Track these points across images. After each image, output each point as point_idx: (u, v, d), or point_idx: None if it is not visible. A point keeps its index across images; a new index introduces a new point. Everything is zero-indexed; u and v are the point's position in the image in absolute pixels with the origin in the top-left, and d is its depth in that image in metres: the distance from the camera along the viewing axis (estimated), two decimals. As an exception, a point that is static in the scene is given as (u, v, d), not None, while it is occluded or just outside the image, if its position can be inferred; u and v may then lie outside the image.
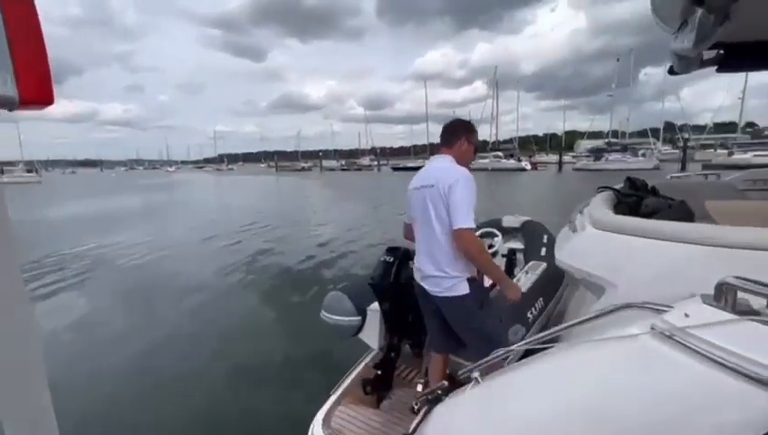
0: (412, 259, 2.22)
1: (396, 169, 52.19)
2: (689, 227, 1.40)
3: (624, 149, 41.57)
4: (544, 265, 2.91)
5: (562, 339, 1.28)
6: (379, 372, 2.18)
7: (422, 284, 1.90)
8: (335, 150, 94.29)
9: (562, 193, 21.16)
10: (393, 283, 2.10)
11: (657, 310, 0.95)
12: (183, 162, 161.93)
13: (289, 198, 21.53)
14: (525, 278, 2.67)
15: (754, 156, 33.26)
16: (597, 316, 1.16)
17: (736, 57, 2.00)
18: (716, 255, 1.28)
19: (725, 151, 38.49)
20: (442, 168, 1.83)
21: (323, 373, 2.93)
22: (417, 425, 1.43)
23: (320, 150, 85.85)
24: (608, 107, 51.10)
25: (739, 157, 34.31)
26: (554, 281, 2.87)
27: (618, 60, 48.89)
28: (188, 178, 57.99)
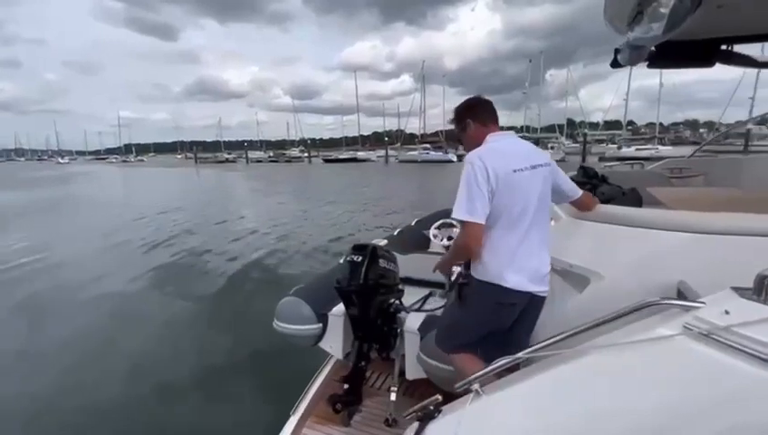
0: (381, 257, 2.06)
1: (327, 160, 51.23)
2: (672, 215, 1.43)
3: (536, 142, 46.06)
4: None
5: (569, 344, 1.21)
6: (347, 386, 2.00)
7: (535, 287, 1.52)
8: (262, 141, 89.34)
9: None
10: (363, 284, 1.92)
11: (683, 307, 0.89)
12: (79, 153, 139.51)
13: (217, 194, 19.62)
14: None
15: (636, 149, 39.08)
16: (620, 316, 1.09)
17: (667, 54, 2.14)
18: (699, 241, 1.32)
19: (615, 146, 44.70)
20: (529, 145, 1.62)
21: (278, 391, 2.67)
22: None
23: (245, 141, 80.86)
24: (521, 104, 55.89)
25: (625, 150, 40.04)
26: None
27: (530, 61, 53.76)
28: (87, 170, 50.61)
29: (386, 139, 60.56)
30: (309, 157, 58.57)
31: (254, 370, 3.37)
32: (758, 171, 3.15)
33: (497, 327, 1.59)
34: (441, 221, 3.46)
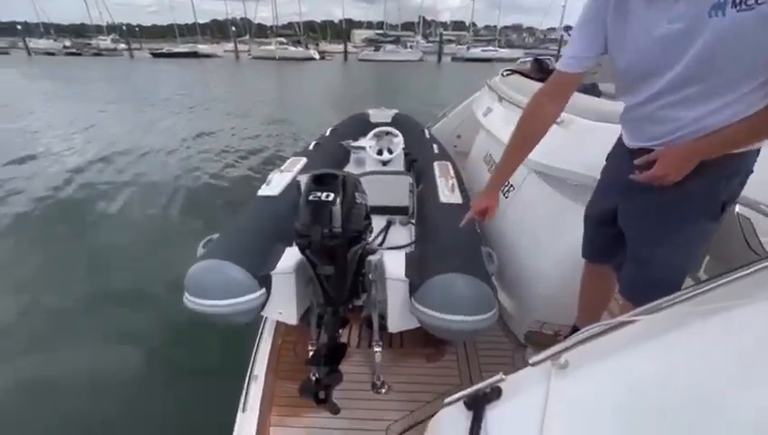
0: (355, 189, 1.44)
1: (157, 54, 40.57)
2: None
3: (396, 40, 45.70)
4: (448, 164, 2.57)
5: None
6: (324, 366, 1.49)
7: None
8: (47, 25, 64.31)
9: (362, 82, 21.49)
10: (342, 234, 1.31)
11: None
12: None
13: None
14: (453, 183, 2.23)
15: (482, 51, 42.44)
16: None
17: None
18: None
19: (464, 46, 47.59)
20: None
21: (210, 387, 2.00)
22: None
23: (18, 23, 56.89)
24: (378, -4, 52.93)
25: (473, 51, 43.10)
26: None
27: (385, -52, 49.60)
28: None
29: (232, 28, 50.86)
30: (130, 49, 45.57)
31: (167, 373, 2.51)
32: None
33: None
34: (377, 130, 2.85)
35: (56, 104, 12.47)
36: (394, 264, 1.63)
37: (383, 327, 1.71)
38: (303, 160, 2.59)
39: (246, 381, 1.65)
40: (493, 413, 1.12)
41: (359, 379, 1.67)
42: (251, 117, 10.47)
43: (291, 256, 1.69)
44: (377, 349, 1.65)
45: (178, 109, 11.57)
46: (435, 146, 2.93)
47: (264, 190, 2.15)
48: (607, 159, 1.28)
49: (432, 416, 1.63)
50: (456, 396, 1.16)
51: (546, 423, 1.04)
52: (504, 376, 1.08)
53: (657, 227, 1.07)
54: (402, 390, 1.62)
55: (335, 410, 1.45)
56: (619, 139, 1.20)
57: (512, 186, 2.17)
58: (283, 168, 2.43)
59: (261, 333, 1.91)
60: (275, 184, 2.19)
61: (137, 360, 2.48)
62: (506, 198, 2.18)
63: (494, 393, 1.13)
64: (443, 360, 1.76)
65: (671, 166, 0.96)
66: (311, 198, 1.31)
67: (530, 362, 1.04)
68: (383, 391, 1.62)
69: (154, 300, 2.98)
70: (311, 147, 2.93)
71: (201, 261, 1.53)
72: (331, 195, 1.31)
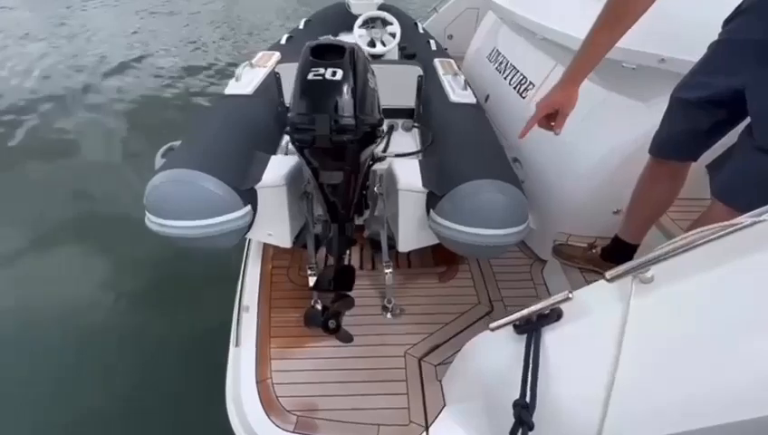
0: (366, 67, 1.08)
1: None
2: None
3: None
4: (451, 61, 2.18)
5: None
6: (333, 290, 1.27)
7: None
8: None
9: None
10: (356, 127, 0.99)
11: None
12: None
13: None
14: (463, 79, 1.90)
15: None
16: None
17: None
18: None
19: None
20: None
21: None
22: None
23: None
24: None
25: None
26: None
27: None
28: None
29: None
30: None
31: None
32: None
33: None
34: (367, 16, 2.33)
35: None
36: (407, 173, 1.35)
37: (390, 247, 1.49)
38: (277, 55, 2.11)
39: (236, 313, 1.42)
40: (551, 336, 0.93)
41: (367, 303, 1.47)
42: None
43: (279, 165, 1.37)
44: (387, 270, 1.44)
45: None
46: (432, 42, 2.49)
47: (234, 88, 1.72)
48: (728, 22, 0.98)
49: (453, 337, 1.44)
50: (505, 320, 0.96)
51: (625, 346, 0.85)
52: (570, 294, 0.88)
53: None
54: (416, 312, 1.45)
55: (348, 339, 1.26)
56: None
57: (531, 83, 1.86)
58: (254, 61, 1.97)
59: (245, 260, 1.64)
60: (247, 80, 1.76)
61: (100, 304, 2.18)
62: (523, 97, 1.88)
63: (554, 315, 0.94)
64: (457, 279, 1.59)
65: None
66: (311, 75, 0.95)
67: (607, 276, 0.84)
68: (395, 314, 1.45)
69: (108, 229, 2.61)
70: (283, 41, 2.41)
71: (161, 172, 1.18)
72: (339, 72, 0.95)
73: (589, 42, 0.97)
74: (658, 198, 1.24)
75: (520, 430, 0.85)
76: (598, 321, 0.87)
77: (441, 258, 1.67)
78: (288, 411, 1.15)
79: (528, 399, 0.85)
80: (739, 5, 0.96)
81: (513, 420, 0.87)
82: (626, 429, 0.86)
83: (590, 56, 0.99)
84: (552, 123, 1.08)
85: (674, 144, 1.12)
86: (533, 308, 0.92)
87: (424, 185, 1.30)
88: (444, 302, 1.49)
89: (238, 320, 1.39)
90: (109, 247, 2.48)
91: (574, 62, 1.01)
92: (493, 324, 0.95)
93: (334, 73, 0.94)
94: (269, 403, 1.17)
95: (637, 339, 0.83)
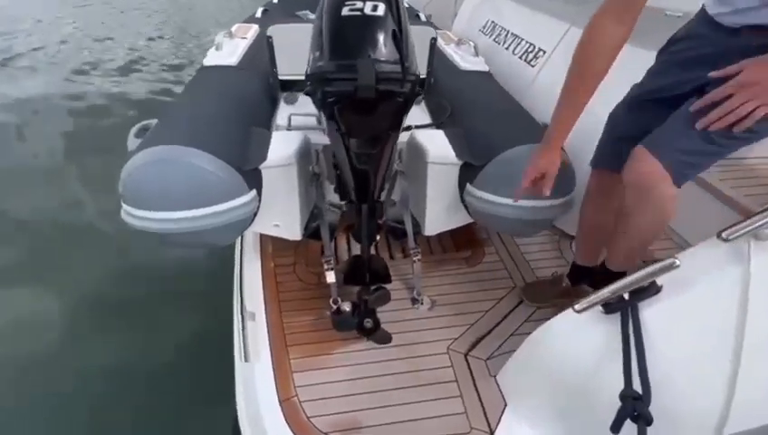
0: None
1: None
2: None
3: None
4: (448, 32, 2.03)
5: None
6: (368, 283, 1.07)
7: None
8: None
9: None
10: (403, 75, 0.80)
11: None
12: None
13: None
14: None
15: None
16: None
17: None
18: None
19: None
20: None
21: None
22: None
23: None
24: None
25: None
26: None
27: None
28: None
29: None
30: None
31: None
32: None
33: None
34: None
35: None
36: (437, 144, 1.18)
37: (403, 233, 1.31)
38: (255, 27, 1.86)
39: (238, 322, 1.19)
40: (650, 313, 0.79)
41: (394, 296, 1.29)
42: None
43: (284, 142, 1.15)
44: (415, 258, 1.26)
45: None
46: (421, 14, 2.32)
47: (215, 58, 1.47)
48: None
49: (497, 326, 1.26)
50: (593, 298, 0.81)
51: (750, 316, 0.71)
52: (677, 260, 0.74)
53: None
54: (449, 302, 1.29)
55: (386, 339, 1.07)
56: None
57: (541, 49, 1.74)
58: (233, 30, 1.71)
59: (241, 258, 1.40)
60: (229, 50, 1.51)
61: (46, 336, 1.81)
62: (532, 66, 1.76)
63: (652, 288, 0.80)
64: (485, 262, 1.45)
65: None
66: (346, 10, 0.74)
67: (723, 236, 0.71)
68: (427, 306, 1.28)
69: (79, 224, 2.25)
70: (258, 14, 2.15)
71: (147, 150, 0.93)
72: (381, 5, 0.75)
73: (563, 105, 0.89)
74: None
75: (629, 426, 0.71)
76: (710, 290, 0.75)
77: (463, 242, 1.52)
78: (324, 434, 0.95)
79: (641, 389, 0.71)
80: (675, 35, 0.94)
81: (608, 413, 0.73)
82: (753, 414, 0.75)
83: (567, 120, 0.90)
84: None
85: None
86: (624, 282, 0.78)
87: (457, 156, 1.14)
88: (476, 288, 1.34)
89: (243, 330, 1.16)
90: (62, 265, 2.11)
91: (551, 127, 0.92)
92: (578, 305, 0.80)
93: (375, 8, 0.74)
94: (299, 426, 0.96)
95: (762, 306, 0.71)
